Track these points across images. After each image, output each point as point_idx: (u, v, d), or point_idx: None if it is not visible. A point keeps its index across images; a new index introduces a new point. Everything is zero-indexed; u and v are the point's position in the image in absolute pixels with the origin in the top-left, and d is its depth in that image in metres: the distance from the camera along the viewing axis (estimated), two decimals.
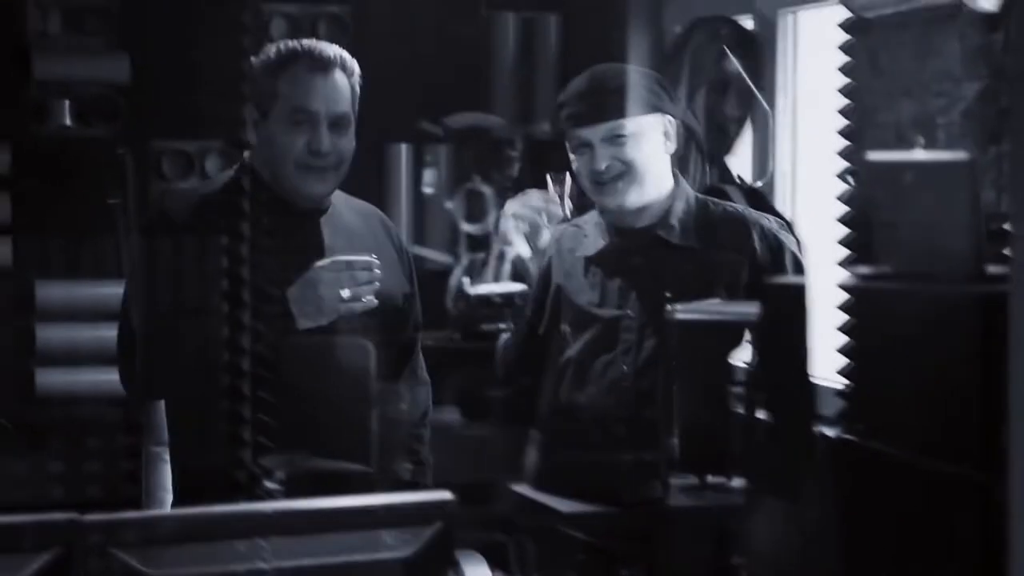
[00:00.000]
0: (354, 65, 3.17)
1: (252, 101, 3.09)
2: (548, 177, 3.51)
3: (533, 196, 3.50)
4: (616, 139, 3.16)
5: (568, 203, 3.48)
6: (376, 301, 3.04)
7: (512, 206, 3.51)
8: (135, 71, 4.49)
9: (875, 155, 2.85)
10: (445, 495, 1.97)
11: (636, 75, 3.30)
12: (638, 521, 2.84)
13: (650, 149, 3.19)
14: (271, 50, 3.17)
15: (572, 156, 3.25)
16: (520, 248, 3.47)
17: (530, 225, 3.47)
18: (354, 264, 3.04)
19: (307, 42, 3.20)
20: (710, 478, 2.77)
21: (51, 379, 4.42)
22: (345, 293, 3.02)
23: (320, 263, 3.06)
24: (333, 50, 3.17)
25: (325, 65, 3.13)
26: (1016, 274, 1.68)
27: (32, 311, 4.47)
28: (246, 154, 3.13)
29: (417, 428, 3.31)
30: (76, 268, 4.25)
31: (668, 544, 2.79)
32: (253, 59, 3.11)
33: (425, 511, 1.94)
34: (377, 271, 3.04)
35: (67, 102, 4.47)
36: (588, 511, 2.84)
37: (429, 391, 3.36)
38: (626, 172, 3.17)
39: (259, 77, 3.12)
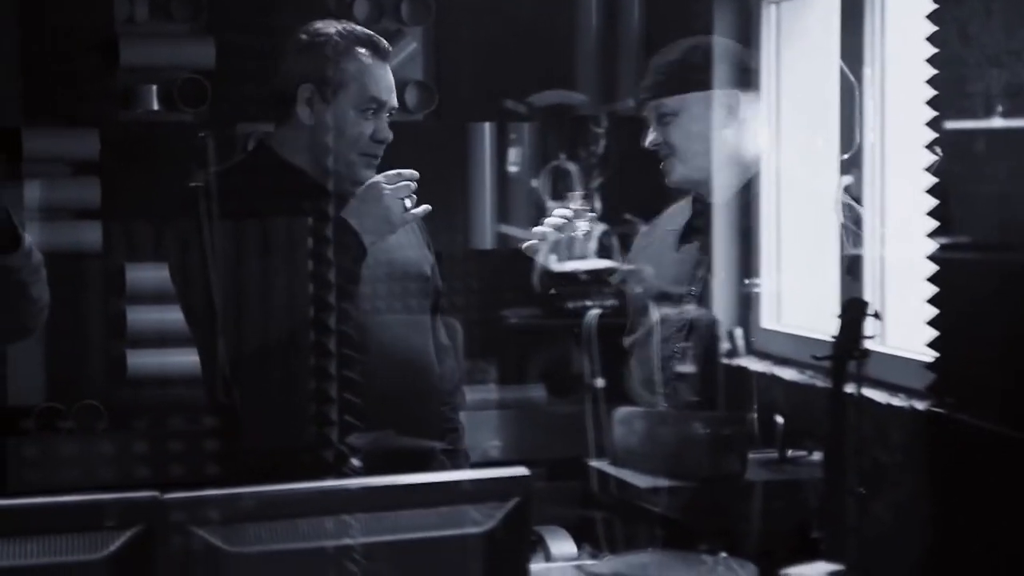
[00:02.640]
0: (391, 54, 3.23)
1: (311, 80, 3.10)
2: (572, 195, 3.52)
3: (554, 216, 3.48)
4: (663, 117, 3.18)
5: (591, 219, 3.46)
6: (429, 207, 3.09)
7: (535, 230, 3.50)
8: (221, 56, 4.52)
9: (952, 123, 2.81)
10: (522, 471, 1.98)
11: (697, 51, 3.29)
12: (717, 496, 2.83)
13: (698, 127, 3.18)
14: (327, 30, 3.17)
15: None
16: (550, 263, 3.47)
17: (556, 240, 3.46)
18: (404, 174, 3.09)
19: (357, 28, 3.22)
20: (789, 452, 2.76)
21: (142, 360, 4.48)
22: (407, 202, 3.07)
23: (376, 177, 3.09)
24: (382, 39, 3.22)
25: (385, 55, 3.17)
26: None
27: (123, 294, 4.53)
28: (257, 135, 3.16)
29: (451, 396, 3.34)
30: (164, 252, 4.29)
31: (747, 518, 2.77)
32: (304, 36, 3.12)
33: (503, 486, 1.94)
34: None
35: (154, 87, 4.52)
36: (666, 486, 2.83)
37: (452, 355, 3.39)
38: (670, 150, 3.19)
39: (322, 56, 3.13)
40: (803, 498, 2.77)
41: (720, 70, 3.24)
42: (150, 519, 1.83)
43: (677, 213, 3.57)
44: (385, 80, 3.17)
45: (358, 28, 3.22)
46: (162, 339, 4.37)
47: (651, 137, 3.31)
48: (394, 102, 3.19)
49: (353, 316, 3.12)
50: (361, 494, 1.94)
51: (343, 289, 3.08)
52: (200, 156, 3.74)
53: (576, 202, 3.42)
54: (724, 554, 2.67)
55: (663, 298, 3.30)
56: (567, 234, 3.41)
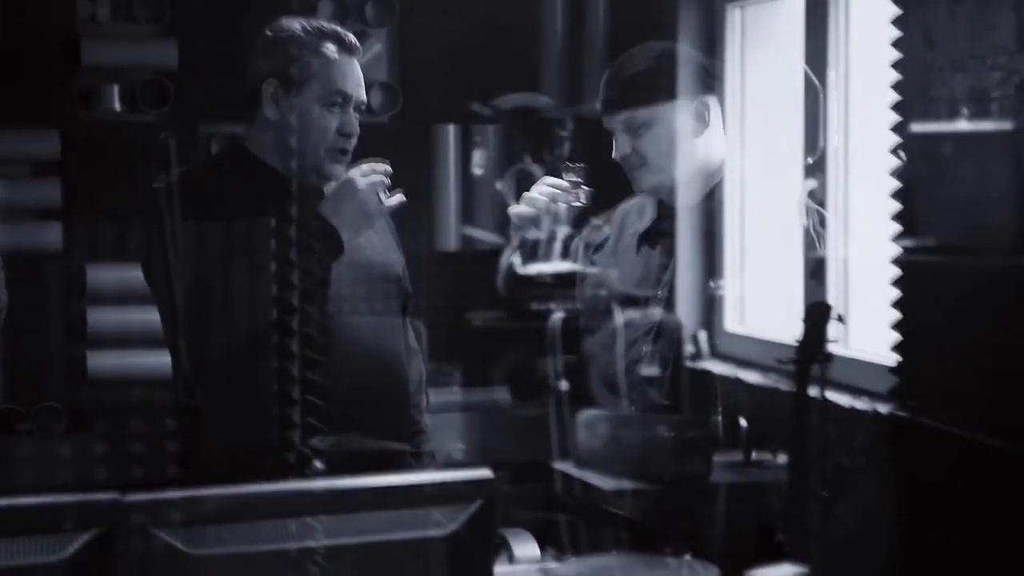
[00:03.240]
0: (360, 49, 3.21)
1: (275, 76, 3.09)
2: (565, 166, 3.51)
3: (544, 185, 3.48)
4: (633, 128, 3.18)
5: (582, 191, 3.45)
6: (403, 197, 3.08)
7: (531, 192, 3.50)
8: (183, 57, 4.50)
9: (918, 126, 2.82)
10: (486, 473, 1.97)
11: (664, 59, 3.29)
12: (681, 498, 2.83)
13: (671, 136, 3.19)
14: (291, 26, 3.16)
15: None
16: (515, 265, 3.47)
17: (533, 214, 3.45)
18: (377, 167, 3.08)
19: (324, 23, 3.21)
20: (754, 454, 2.76)
21: (102, 362, 4.45)
22: (382, 195, 3.05)
23: (350, 172, 3.08)
24: (349, 33, 3.20)
25: (352, 49, 3.16)
26: None
27: (83, 294, 4.50)
28: (223, 134, 3.15)
29: (415, 397, 3.33)
30: (125, 252, 4.28)
31: (711, 521, 2.77)
32: (268, 33, 3.11)
33: (467, 488, 1.93)
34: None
35: (116, 87, 4.49)
36: (630, 488, 2.83)
37: (420, 358, 3.38)
38: (642, 161, 3.19)
39: (286, 52, 3.12)
40: (768, 501, 2.77)
41: (686, 76, 3.25)
42: (110, 521, 1.81)
43: (634, 212, 3.57)
44: (351, 74, 3.16)
45: (324, 24, 3.21)
46: (123, 340, 4.35)
47: (622, 150, 3.30)
48: (362, 96, 3.18)
49: (317, 318, 3.11)
50: (323, 496, 1.92)
51: (308, 290, 3.06)
52: (162, 156, 3.72)
53: (571, 175, 3.40)
54: (689, 556, 2.66)
55: (628, 301, 3.30)
56: (557, 206, 3.40)
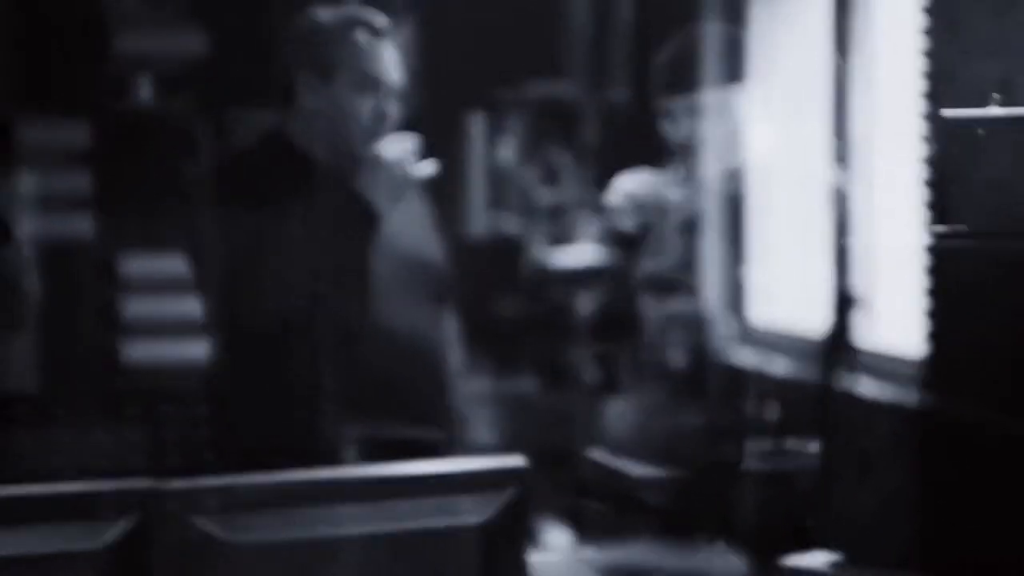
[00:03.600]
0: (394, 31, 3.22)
1: (308, 66, 3.11)
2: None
3: (645, 176, 3.47)
4: (696, 111, 3.17)
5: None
6: (435, 165, 3.09)
7: (625, 183, 3.48)
8: (212, 43, 4.51)
9: (950, 111, 2.81)
10: (519, 460, 1.97)
11: (729, 41, 3.29)
12: (712, 485, 2.84)
13: (731, 121, 3.18)
14: (320, 16, 3.18)
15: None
16: (625, 224, 3.45)
17: (638, 205, 3.44)
18: (402, 138, 3.10)
19: (356, 9, 3.23)
20: (788, 442, 2.76)
21: (136, 350, 4.46)
22: (411, 165, 3.07)
23: (378, 146, 3.09)
24: (383, 18, 3.22)
25: (381, 32, 3.17)
26: None
27: (115, 283, 4.52)
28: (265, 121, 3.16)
29: (455, 387, 3.34)
30: (157, 241, 4.28)
31: (743, 508, 2.78)
32: (299, 24, 3.14)
33: (500, 476, 1.94)
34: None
35: (145, 76, 4.50)
36: (662, 475, 2.83)
37: (459, 350, 3.39)
38: (701, 146, 3.18)
39: (317, 42, 3.15)
40: (800, 488, 2.78)
41: (732, 61, 3.25)
42: (147, 508, 1.82)
43: (676, 198, 3.55)
44: (382, 58, 3.18)
45: (353, 10, 3.23)
46: (156, 328, 4.37)
47: (681, 132, 3.28)
48: (394, 79, 3.18)
49: (352, 304, 3.12)
50: (359, 484, 1.93)
51: (343, 277, 3.07)
52: (192, 144, 3.74)
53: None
54: (721, 543, 2.67)
55: (667, 288, 3.31)
56: (660, 197, 3.40)
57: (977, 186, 2.42)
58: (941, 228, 2.72)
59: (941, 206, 2.85)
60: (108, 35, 4.48)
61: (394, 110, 3.17)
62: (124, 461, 3.79)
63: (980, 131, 2.35)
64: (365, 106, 3.14)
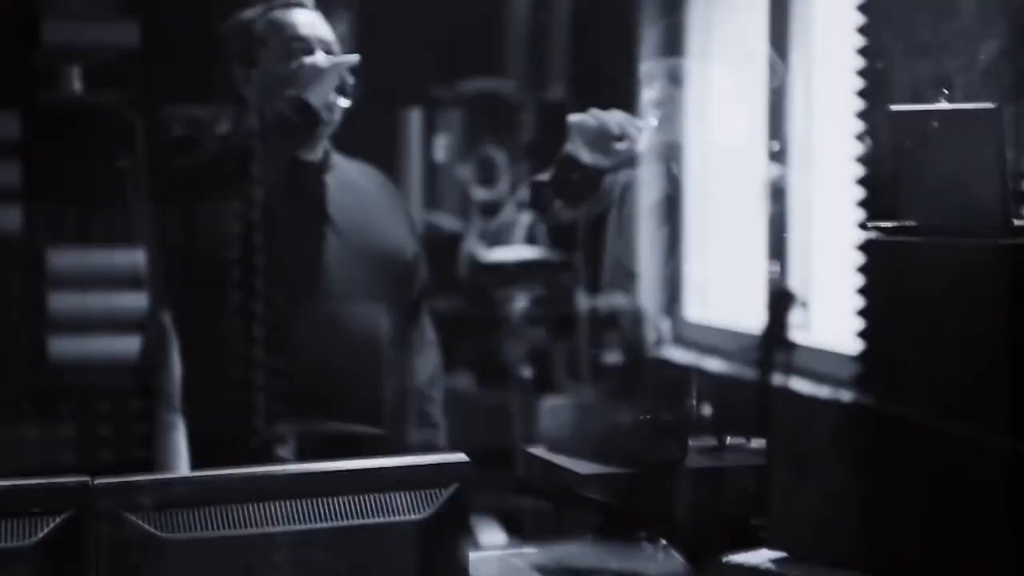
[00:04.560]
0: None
1: (237, 60, 3.10)
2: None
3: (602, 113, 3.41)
4: (677, 77, 3.19)
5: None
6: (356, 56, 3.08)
7: (578, 116, 3.41)
8: (146, 36, 4.46)
9: (899, 106, 2.82)
10: (461, 457, 1.96)
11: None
12: (656, 482, 2.83)
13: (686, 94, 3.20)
14: (239, 15, 3.19)
15: None
16: (581, 154, 3.35)
17: (596, 131, 3.36)
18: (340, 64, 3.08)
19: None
20: (729, 439, 2.76)
21: (63, 346, 4.40)
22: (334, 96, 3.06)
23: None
24: None
25: (297, 3, 3.17)
26: None
27: (43, 278, 4.45)
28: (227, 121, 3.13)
29: (428, 390, 3.31)
30: (87, 235, 4.23)
31: (687, 506, 2.77)
32: (223, 28, 3.13)
33: (441, 474, 1.92)
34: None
35: (77, 67, 4.44)
36: (605, 472, 2.82)
37: (437, 351, 3.35)
38: (673, 114, 3.19)
39: (238, 35, 3.14)
40: (743, 486, 2.78)
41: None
42: (80, 505, 1.79)
43: (634, 185, 3.54)
44: (301, 21, 3.18)
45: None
46: (84, 324, 4.32)
47: (658, 96, 3.30)
48: (322, 35, 3.18)
49: (280, 301, 3.09)
50: (297, 480, 1.91)
51: (275, 272, 3.04)
52: (128, 137, 3.70)
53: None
54: (663, 542, 2.66)
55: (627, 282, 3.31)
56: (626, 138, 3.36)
57: (929, 181, 2.43)
58: (888, 224, 2.72)
59: (887, 202, 2.86)
60: (37, 25, 4.42)
61: (334, 64, 3.14)
62: (57, 458, 3.75)
63: (934, 123, 2.36)
64: (294, 63, 3.12)
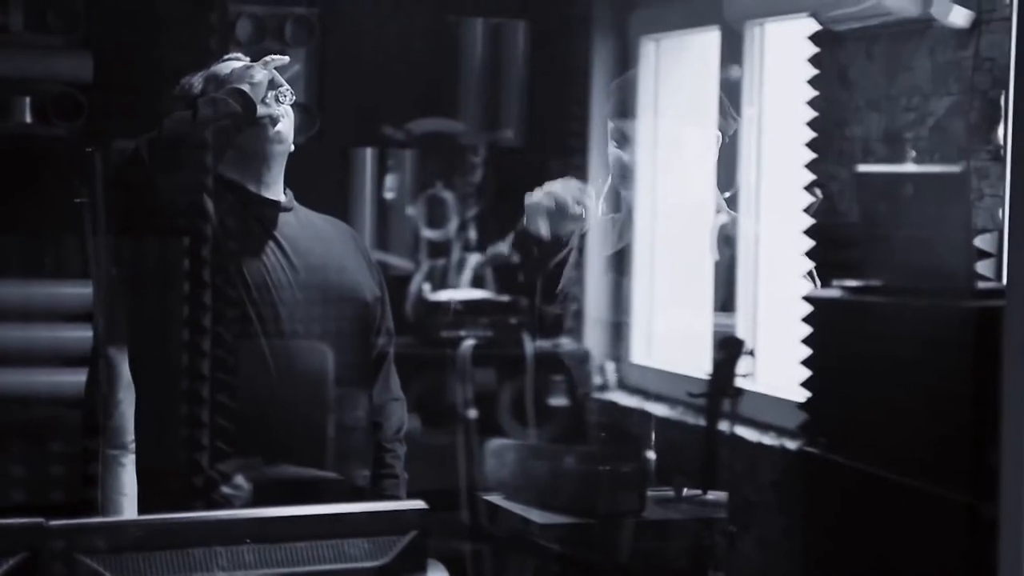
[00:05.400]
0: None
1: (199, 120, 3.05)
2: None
3: (556, 184, 3.45)
4: (631, 138, 3.22)
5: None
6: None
7: (534, 195, 3.44)
8: (98, 70, 4.44)
9: (866, 167, 2.85)
10: (420, 504, 1.95)
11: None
12: (613, 533, 2.83)
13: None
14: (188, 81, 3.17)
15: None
16: (539, 228, 3.39)
17: (553, 209, 3.41)
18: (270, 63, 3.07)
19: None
20: (686, 491, 2.76)
21: (6, 379, 4.36)
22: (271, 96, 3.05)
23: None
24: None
25: (234, 57, 3.14)
26: (1011, 289, 1.68)
27: None
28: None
29: (391, 443, 3.29)
30: (35, 267, 4.20)
31: (642, 557, 2.77)
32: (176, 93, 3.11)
33: (399, 521, 1.92)
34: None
35: (28, 99, 4.41)
36: (563, 522, 2.81)
37: (403, 406, 3.34)
38: (630, 173, 3.23)
39: (181, 96, 3.12)
40: (699, 538, 2.78)
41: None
42: (35, 546, 1.77)
43: (598, 233, 3.58)
44: (236, 66, 3.16)
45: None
46: (28, 358, 4.28)
47: (620, 158, 3.40)
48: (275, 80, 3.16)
49: (228, 339, 3.07)
50: (253, 525, 1.90)
51: (221, 309, 3.03)
52: (86, 171, 3.67)
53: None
54: None
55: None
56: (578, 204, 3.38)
57: (897, 242, 2.45)
58: (852, 282, 2.74)
59: (840, 257, 2.88)
60: None
61: (264, 62, 3.13)
62: (7, 496, 3.71)
63: (908, 187, 2.38)
64: (234, 72, 3.11)
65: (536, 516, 2.83)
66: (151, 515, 1.86)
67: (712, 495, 2.84)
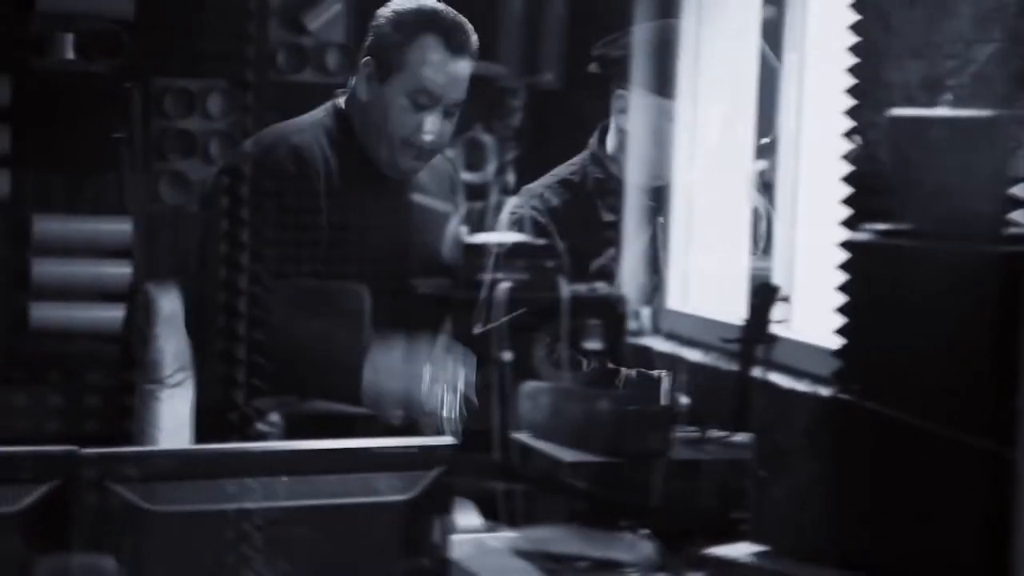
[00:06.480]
0: (476, 50, 3.08)
1: (373, 55, 2.97)
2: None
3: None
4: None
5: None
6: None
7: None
8: (139, 7, 4.46)
9: (899, 111, 2.82)
10: (447, 440, 1.97)
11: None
12: (640, 473, 2.84)
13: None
14: (406, 7, 3.03)
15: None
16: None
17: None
18: None
19: (447, 11, 3.07)
20: (713, 432, 2.77)
21: (45, 313, 4.40)
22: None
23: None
24: (468, 30, 3.06)
25: (461, 48, 3.02)
26: None
27: (28, 245, 4.45)
28: (340, 101, 3.04)
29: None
30: (75, 203, 4.24)
31: (668, 497, 2.78)
32: (384, 10, 3.00)
33: (427, 456, 1.94)
34: None
35: (70, 36, 4.43)
36: (588, 460, 2.83)
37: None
38: None
39: (387, 34, 3.00)
40: (724, 479, 2.79)
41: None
42: (66, 474, 1.81)
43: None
44: (446, 74, 3.04)
45: (443, 12, 3.09)
46: (68, 292, 4.32)
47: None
48: (456, 97, 3.07)
49: (265, 277, 3.09)
50: (282, 458, 1.92)
51: (259, 249, 3.04)
52: (124, 107, 3.69)
53: None
54: (643, 531, 2.67)
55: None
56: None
57: (927, 187, 2.44)
58: (882, 226, 2.73)
59: (875, 202, 2.87)
60: None
61: (445, 128, 3.07)
62: (43, 426, 3.75)
63: (936, 132, 2.37)
64: (414, 118, 3.02)
65: (566, 455, 2.85)
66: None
67: (739, 436, 2.84)
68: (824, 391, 3.01)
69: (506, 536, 2.65)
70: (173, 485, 1.85)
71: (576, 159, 3.92)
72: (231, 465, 1.89)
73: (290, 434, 2.92)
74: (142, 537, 1.81)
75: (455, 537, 2.38)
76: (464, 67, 3.07)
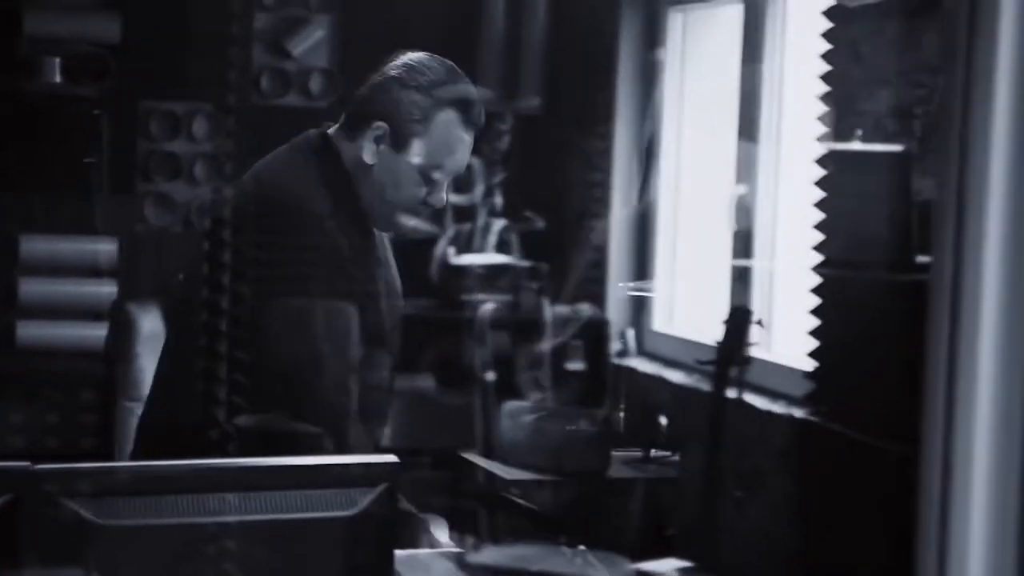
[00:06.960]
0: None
1: (386, 121, 2.93)
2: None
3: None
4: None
5: None
6: None
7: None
8: (126, 31, 4.50)
9: (823, 144, 2.89)
10: (391, 458, 2.02)
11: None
12: (579, 490, 2.89)
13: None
14: (425, 74, 2.99)
15: None
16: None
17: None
18: None
19: (466, 83, 3.04)
20: (652, 452, 2.80)
21: (32, 332, 4.45)
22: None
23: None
24: (481, 102, 3.03)
25: (476, 122, 2.99)
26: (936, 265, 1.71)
27: (15, 264, 4.50)
28: (338, 146, 3.03)
29: (389, 393, 3.34)
30: (57, 225, 4.28)
31: (607, 514, 2.83)
32: (398, 70, 2.96)
33: (371, 473, 1.98)
34: None
35: (56, 60, 4.48)
36: (530, 478, 2.88)
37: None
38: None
39: (408, 103, 2.95)
40: (661, 496, 2.83)
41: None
42: (20, 488, 1.84)
43: None
44: (462, 151, 3.00)
45: (465, 85, 3.06)
46: (53, 311, 4.37)
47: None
48: (463, 166, 3.05)
49: (248, 297, 3.11)
50: (231, 473, 1.96)
51: (241, 268, 3.06)
52: (95, 132, 3.73)
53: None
54: (581, 547, 2.69)
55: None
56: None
57: (838, 219, 2.49)
58: (827, 252, 2.76)
59: (829, 230, 2.90)
60: (18, 16, 4.46)
61: (444, 202, 3.06)
62: (41, 441, 3.77)
63: (837, 165, 2.42)
64: (421, 191, 2.98)
65: (506, 472, 2.90)
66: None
67: (678, 456, 2.88)
68: (797, 412, 3.05)
69: (478, 555, 2.68)
70: (127, 500, 1.89)
71: None
72: (182, 480, 1.93)
73: (248, 451, 2.94)
74: (94, 552, 1.85)
75: (405, 553, 2.43)
76: (470, 142, 3.04)
